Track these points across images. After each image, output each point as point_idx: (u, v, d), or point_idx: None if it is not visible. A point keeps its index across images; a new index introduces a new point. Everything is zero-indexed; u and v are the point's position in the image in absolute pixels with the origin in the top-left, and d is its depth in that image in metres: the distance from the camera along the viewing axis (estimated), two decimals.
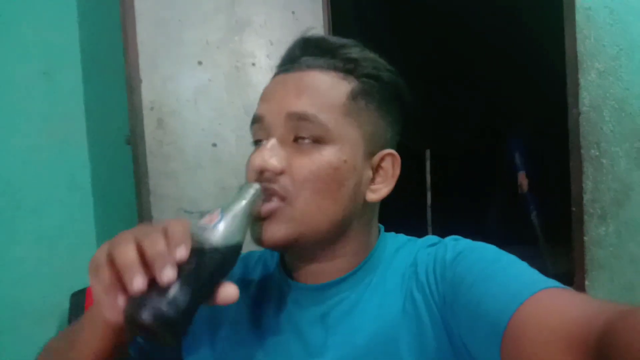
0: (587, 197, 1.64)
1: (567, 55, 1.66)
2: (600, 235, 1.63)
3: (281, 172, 0.57)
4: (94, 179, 1.77)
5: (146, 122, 1.63)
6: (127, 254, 0.44)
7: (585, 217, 1.63)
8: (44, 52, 1.67)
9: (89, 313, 0.54)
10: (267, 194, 0.57)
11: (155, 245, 0.44)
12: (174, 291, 0.43)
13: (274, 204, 0.57)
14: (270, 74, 0.66)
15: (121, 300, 0.44)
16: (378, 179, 0.63)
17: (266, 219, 0.57)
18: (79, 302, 1.57)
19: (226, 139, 1.78)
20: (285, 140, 0.59)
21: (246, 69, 1.80)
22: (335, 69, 0.60)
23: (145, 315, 0.42)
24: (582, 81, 1.63)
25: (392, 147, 0.65)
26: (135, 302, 0.43)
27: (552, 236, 3.54)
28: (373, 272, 0.63)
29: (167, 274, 0.43)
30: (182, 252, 0.44)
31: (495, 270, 0.53)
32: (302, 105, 0.58)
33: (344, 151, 0.58)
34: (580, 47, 1.62)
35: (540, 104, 3.69)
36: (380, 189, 0.63)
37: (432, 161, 3.93)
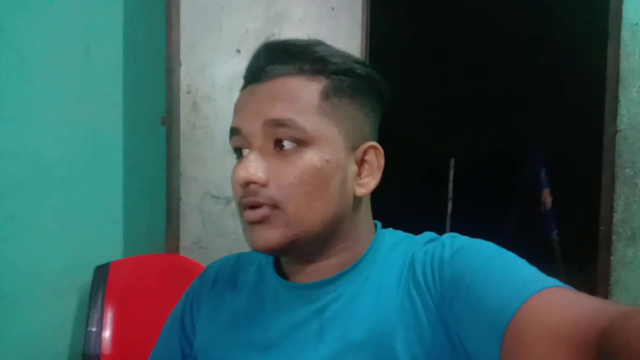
0: (617, 216, 1.61)
1: (608, 72, 1.63)
2: (627, 257, 1.60)
3: (266, 183, 0.58)
4: (125, 158, 1.79)
5: (182, 105, 1.65)
6: None
7: (614, 237, 1.60)
8: (86, 30, 1.69)
9: None
10: (256, 204, 0.59)
11: None
12: None
13: (265, 210, 0.58)
14: None
15: None
16: (364, 173, 0.64)
17: (259, 224, 0.59)
18: (102, 275, 1.59)
19: None
20: (266, 149, 0.60)
21: None
22: (303, 71, 0.60)
23: None
24: (622, 98, 1.60)
25: (374, 139, 0.65)
26: None
27: (571, 255, 3.48)
28: (370, 269, 0.63)
29: None
30: None
31: (495, 268, 0.53)
32: (278, 111, 0.58)
33: (325, 151, 0.59)
34: (623, 64, 1.59)
35: (571, 117, 3.64)
36: (368, 183, 0.64)
37: (455, 170, 3.89)
